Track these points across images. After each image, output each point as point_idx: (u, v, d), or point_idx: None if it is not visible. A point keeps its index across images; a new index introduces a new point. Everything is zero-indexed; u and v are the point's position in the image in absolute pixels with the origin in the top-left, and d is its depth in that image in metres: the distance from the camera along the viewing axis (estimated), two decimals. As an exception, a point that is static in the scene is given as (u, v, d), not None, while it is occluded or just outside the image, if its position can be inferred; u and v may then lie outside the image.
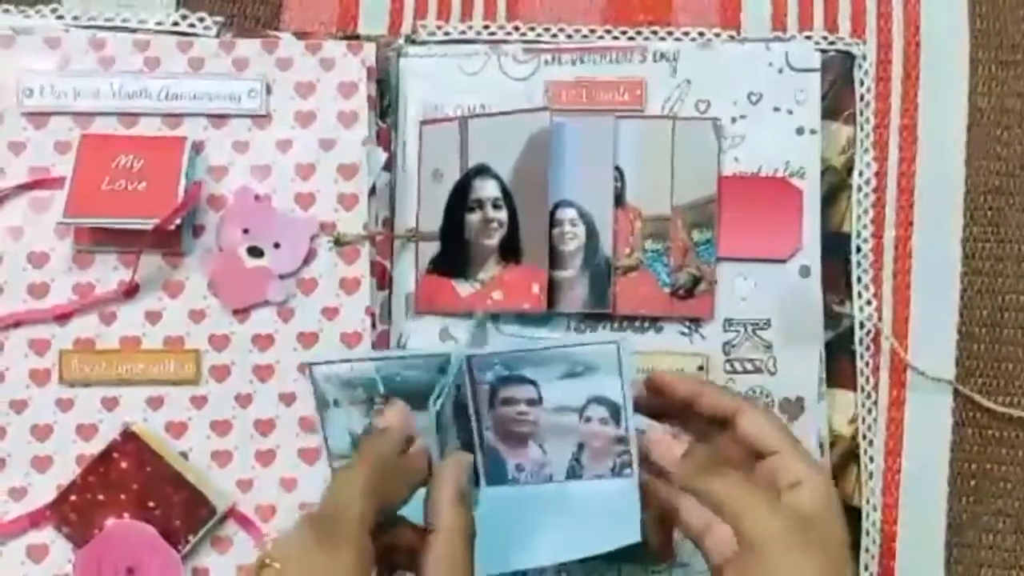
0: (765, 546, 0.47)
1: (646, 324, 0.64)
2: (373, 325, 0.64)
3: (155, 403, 0.62)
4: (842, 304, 0.65)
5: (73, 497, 0.60)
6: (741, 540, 0.48)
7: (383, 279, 0.65)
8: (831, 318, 0.65)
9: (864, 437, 0.64)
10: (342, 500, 0.46)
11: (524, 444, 0.54)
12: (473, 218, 0.64)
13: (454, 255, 0.64)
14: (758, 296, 0.64)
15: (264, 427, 0.63)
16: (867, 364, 0.65)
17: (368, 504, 0.46)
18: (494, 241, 0.64)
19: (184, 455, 0.62)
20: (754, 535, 0.47)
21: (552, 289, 0.63)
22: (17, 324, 0.61)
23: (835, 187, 0.65)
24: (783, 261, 0.64)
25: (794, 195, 0.64)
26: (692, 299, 0.63)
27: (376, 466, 0.47)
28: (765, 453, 0.51)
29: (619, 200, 0.64)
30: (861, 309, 0.65)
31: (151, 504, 0.60)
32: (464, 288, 0.64)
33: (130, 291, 0.62)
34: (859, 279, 0.65)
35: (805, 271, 0.64)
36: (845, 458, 0.64)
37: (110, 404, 0.62)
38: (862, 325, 0.65)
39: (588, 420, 0.53)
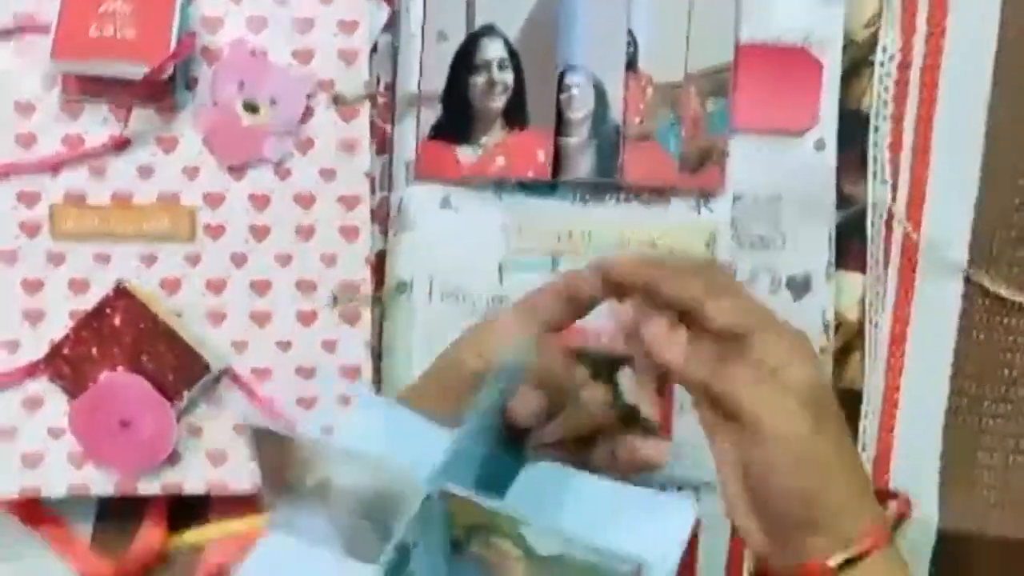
0: (788, 438, 0.43)
1: (653, 196, 0.60)
2: (372, 190, 0.60)
3: (148, 260, 0.59)
4: (856, 185, 0.61)
5: (66, 351, 0.58)
6: (758, 434, 0.43)
7: (383, 143, 0.61)
8: (844, 199, 0.61)
9: (870, 321, 0.61)
10: None
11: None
12: (477, 80, 0.60)
13: (457, 119, 0.60)
14: (771, 169, 0.60)
15: (260, 288, 0.60)
16: (878, 247, 0.61)
17: None
18: (499, 104, 0.60)
19: (178, 313, 0.60)
20: (773, 429, 0.43)
21: (558, 157, 0.60)
22: (6, 174, 0.58)
23: (856, 63, 0.61)
24: (798, 135, 0.59)
25: (814, 67, 0.59)
26: (702, 171, 0.60)
27: None
28: (743, 337, 0.45)
29: (631, 65, 0.59)
30: (875, 190, 0.61)
31: (145, 359, 0.58)
32: (466, 154, 0.60)
33: (121, 144, 0.59)
34: (875, 159, 0.61)
35: (820, 144, 0.60)
36: (849, 342, 0.62)
37: (103, 259, 0.59)
38: (875, 207, 0.61)
39: None
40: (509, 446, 0.44)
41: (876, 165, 0.61)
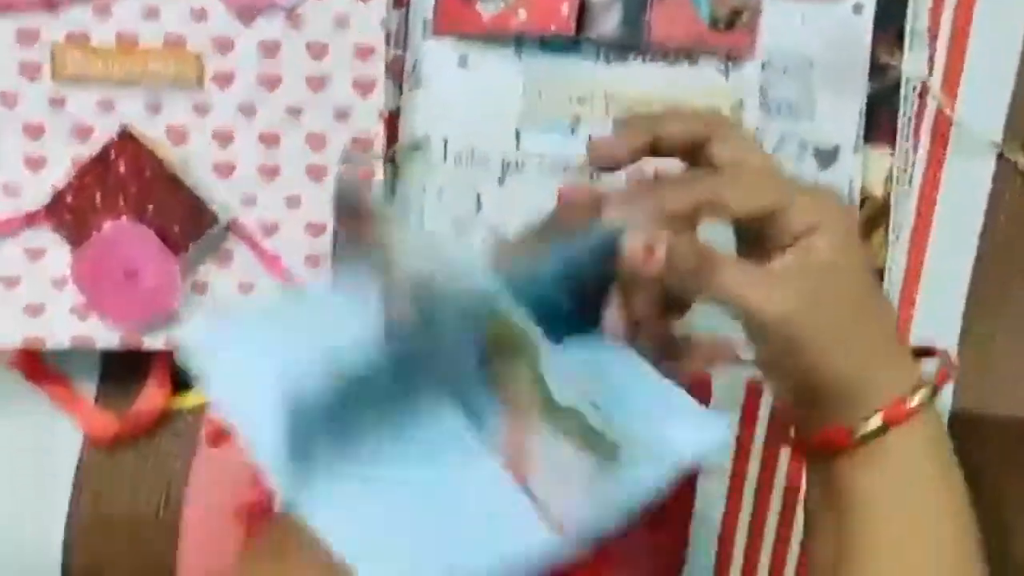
0: (774, 327, 0.41)
1: (679, 57, 0.58)
2: (388, 43, 0.57)
3: (154, 107, 0.57)
4: (892, 55, 0.58)
5: (69, 198, 0.56)
6: (756, 330, 0.42)
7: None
8: (878, 69, 0.58)
9: (896, 197, 0.59)
10: None
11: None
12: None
13: None
14: (804, 33, 0.57)
15: (269, 140, 0.57)
16: (909, 121, 0.59)
17: None
18: (518, -41, 0.57)
19: (184, 163, 0.57)
20: (768, 324, 0.41)
21: (582, 13, 0.56)
22: (2, 11, 0.55)
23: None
24: (836, -1, 0.57)
25: (857, -78, 0.56)
26: (732, 32, 0.57)
27: None
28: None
29: (661, -82, 0.56)
30: (912, 62, 0.58)
31: (150, 208, 0.56)
32: (487, 6, 0.57)
33: (126, -19, 0.55)
34: (913, 31, 0.58)
35: (858, 8, 0.57)
36: (873, 219, 0.59)
37: (106, 105, 0.57)
38: (909, 80, 0.58)
39: None
40: (579, 316, 0.42)
41: (914, 37, 0.58)
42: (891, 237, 0.59)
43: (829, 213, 0.42)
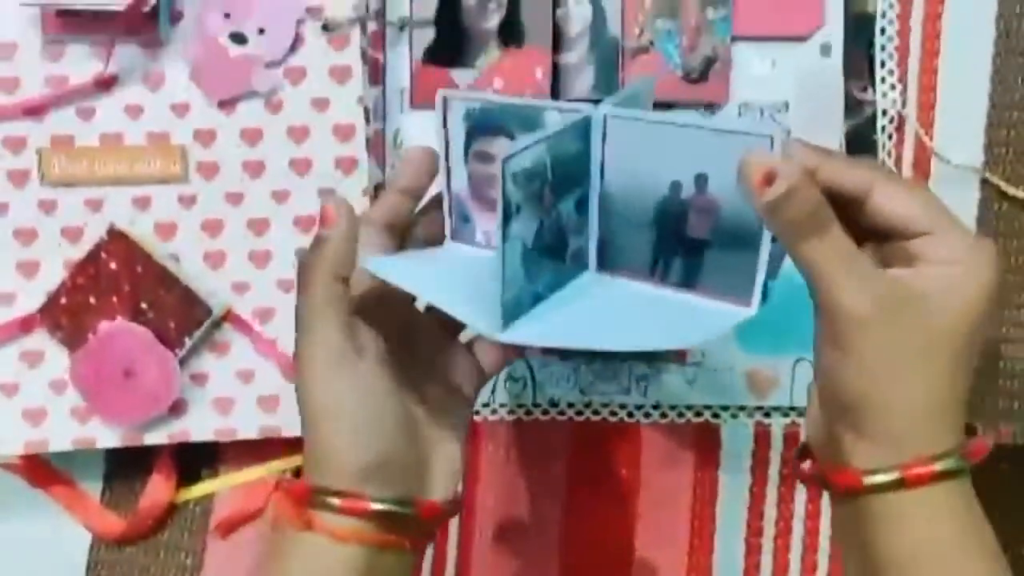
0: (848, 322, 0.37)
1: (657, 110, 0.57)
2: (367, 119, 0.57)
3: (142, 203, 0.57)
4: (865, 91, 0.58)
5: (63, 300, 0.56)
6: (824, 315, 0.38)
7: (376, 73, 0.58)
8: (853, 107, 0.58)
9: (884, 230, 0.58)
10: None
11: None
12: (469, 0, 0.57)
13: (450, 42, 0.57)
14: (776, 77, 0.57)
15: (258, 227, 0.57)
16: (889, 154, 0.58)
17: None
18: (493, 24, 0.57)
19: (175, 258, 0.57)
20: (839, 310, 0.37)
21: (556, 75, 0.56)
22: (-11, 120, 0.55)
23: (861, -37, 0.58)
24: (803, 39, 0.57)
25: (816, -34, 0.56)
26: (706, 82, 0.57)
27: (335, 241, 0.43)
28: (910, 235, 0.39)
29: (628, -25, 0.56)
30: (884, 95, 0.58)
31: (144, 306, 0.56)
32: (462, 77, 0.58)
33: (106, 83, 0.55)
34: (883, 63, 0.58)
35: (826, 50, 0.57)
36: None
37: (95, 205, 0.56)
38: (885, 112, 0.58)
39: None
40: None
41: (884, 70, 0.58)
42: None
43: (979, 260, 0.38)
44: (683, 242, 0.40)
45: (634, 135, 0.40)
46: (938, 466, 0.37)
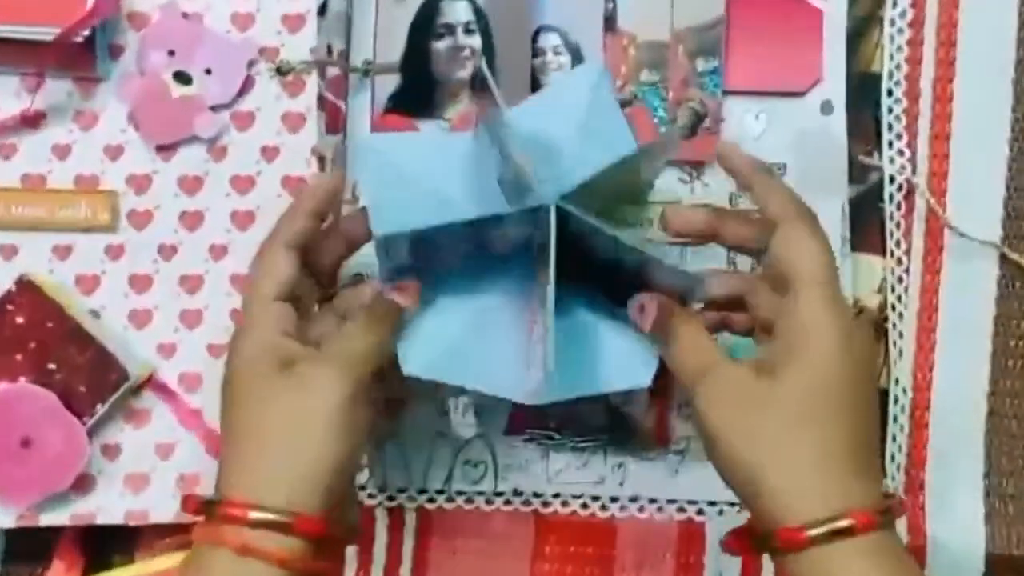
0: (715, 437, 0.39)
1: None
2: (321, 168, 0.51)
3: (62, 252, 0.50)
4: (871, 155, 0.52)
5: (-39, 357, 0.48)
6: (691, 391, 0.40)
7: (335, 121, 0.52)
8: (858, 172, 0.52)
9: (893, 309, 0.51)
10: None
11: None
12: (441, 46, 0.52)
13: (418, 90, 0.52)
14: (772, 136, 0.51)
15: (190, 284, 0.50)
16: (898, 225, 0.52)
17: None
18: (465, 73, 0.51)
19: (96, 314, 0.50)
20: (704, 419, 0.39)
21: None
22: (-100, 155, 0.49)
23: (864, 20, 0.52)
24: (801, 94, 0.51)
25: (814, 16, 0.51)
26: (694, 139, 0.50)
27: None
28: (786, 287, 0.40)
29: (610, 24, 0.51)
30: (892, 160, 0.52)
31: (51, 367, 0.48)
32: (430, 128, 0.51)
33: (33, 119, 0.50)
34: (890, 126, 0.52)
35: (827, 107, 0.51)
36: (871, 334, 0.51)
37: (8, 252, 0.50)
38: (892, 179, 0.52)
39: None
40: None
41: (891, 133, 0.52)
42: (892, 353, 0.51)
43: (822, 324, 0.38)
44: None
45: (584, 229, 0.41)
46: (811, 532, 0.36)
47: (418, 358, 0.41)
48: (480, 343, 0.42)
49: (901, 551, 0.37)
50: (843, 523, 0.35)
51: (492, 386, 0.41)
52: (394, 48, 0.52)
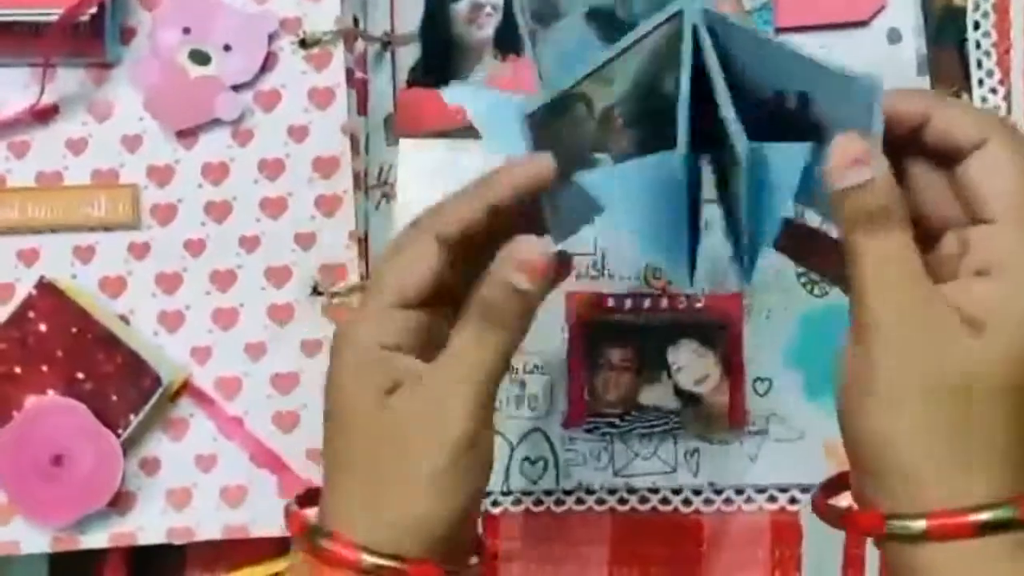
0: (876, 335, 0.31)
1: None
2: (354, 150, 0.46)
3: (84, 254, 0.46)
4: (958, 95, 0.46)
5: (-17, 371, 0.44)
6: (852, 322, 0.32)
7: (363, 100, 0.47)
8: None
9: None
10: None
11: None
12: (459, 7, 0.47)
13: (439, 57, 0.48)
14: None
15: (222, 280, 0.46)
16: (994, 172, 0.46)
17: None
18: (487, 32, 0.47)
19: (124, 319, 0.46)
20: (868, 328, 0.31)
21: None
22: (-93, 159, 0.45)
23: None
24: (864, 24, 0.46)
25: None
26: None
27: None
28: (979, 216, 0.31)
29: (649, -38, 0.45)
30: (984, 100, 0.46)
31: (80, 376, 0.44)
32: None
33: (44, 112, 0.46)
34: (979, 63, 0.46)
35: (895, 35, 0.46)
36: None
37: (28, 257, 0.46)
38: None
39: None
40: None
41: (981, 70, 0.46)
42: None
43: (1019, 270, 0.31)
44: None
45: (737, 42, 0.32)
46: (971, 518, 0.30)
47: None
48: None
49: None
50: (1008, 512, 0.30)
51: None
52: (412, 19, 0.47)
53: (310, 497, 0.36)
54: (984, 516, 0.30)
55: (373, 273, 0.36)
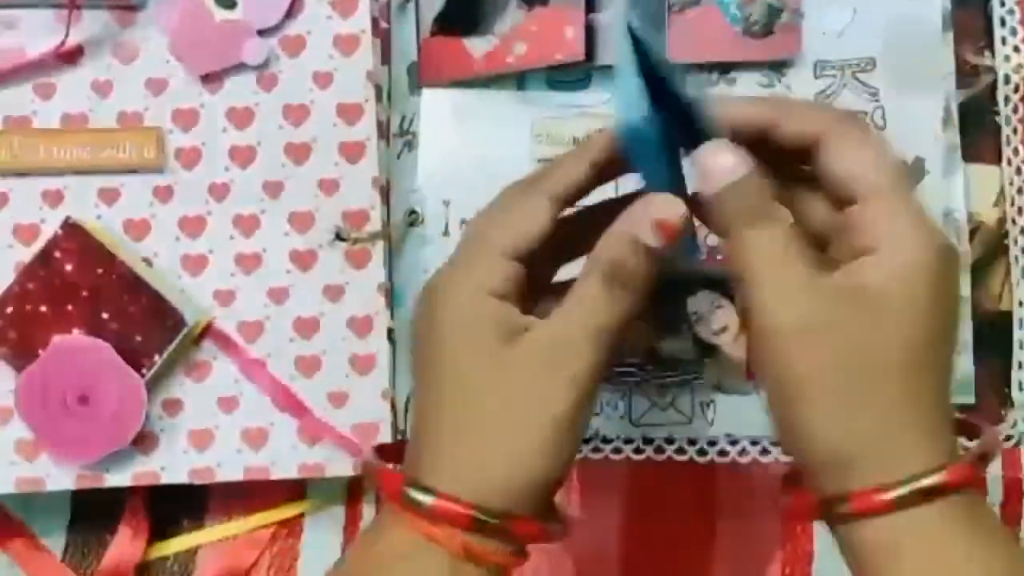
0: (771, 336, 0.31)
1: (714, 75, 0.46)
2: (378, 97, 0.46)
3: (109, 196, 0.46)
4: (981, 54, 0.46)
5: (9, 309, 0.44)
6: (748, 319, 0.32)
7: (386, 49, 0.47)
8: (967, 73, 0.45)
9: (1013, 222, 0.45)
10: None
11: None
12: (484, -45, 0.47)
13: (463, 6, 0.47)
14: (858, 28, 0.45)
15: (245, 225, 0.46)
16: (1015, 131, 0.46)
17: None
18: (515, -22, 0.46)
19: (147, 261, 0.45)
20: (763, 318, 0.31)
21: (590, 36, 0.45)
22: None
23: None
24: (890, -24, 0.45)
25: None
26: (772, 37, 0.45)
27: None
28: (847, 201, 0.32)
29: (677, -86, 0.45)
30: (1007, 58, 0.46)
31: (105, 316, 0.44)
32: (478, 46, 0.47)
33: (70, 55, 0.45)
34: (1003, 21, 0.46)
35: (921, -9, 0.45)
36: (990, 250, 0.46)
37: (53, 198, 0.46)
38: (1008, 79, 0.46)
39: None
40: None
41: (1004, 28, 0.46)
42: (1015, 272, 0.45)
43: (893, 236, 0.31)
44: None
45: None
46: (891, 494, 0.30)
47: None
48: None
49: (989, 511, 0.31)
50: (931, 480, 0.29)
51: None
52: (438, -34, 0.47)
53: (387, 452, 0.36)
54: (898, 492, 0.30)
55: (472, 230, 0.35)
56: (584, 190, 0.34)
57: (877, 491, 0.30)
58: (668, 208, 0.32)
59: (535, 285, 0.34)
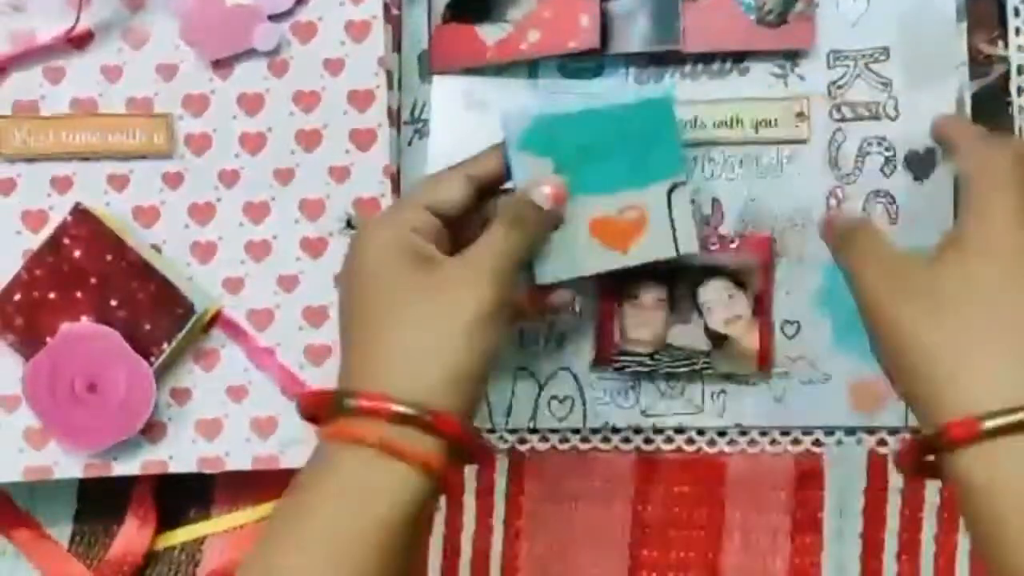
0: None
1: (727, 64, 0.46)
2: (389, 85, 0.45)
3: (118, 182, 0.45)
4: (994, 44, 0.45)
5: (17, 296, 0.44)
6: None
7: (398, 37, 0.47)
8: (979, 63, 0.45)
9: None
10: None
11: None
12: (498, -62, 0.46)
13: None
14: (873, 18, 0.45)
15: (255, 212, 0.45)
16: (1028, 121, 0.45)
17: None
18: (527, -37, 0.46)
19: (156, 248, 0.45)
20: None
21: (605, 27, 0.45)
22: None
23: None
24: (904, -31, 0.45)
25: None
26: (785, 26, 0.45)
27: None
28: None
29: (692, -96, 0.45)
30: (1020, 48, 0.45)
31: (114, 303, 0.44)
32: (491, 33, 0.46)
33: (80, 39, 0.45)
34: (1016, 11, 0.46)
35: (935, -21, 0.45)
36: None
37: (62, 185, 0.45)
38: (1021, 69, 0.45)
39: None
40: None
41: (1018, 18, 0.45)
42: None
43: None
44: None
45: None
46: (987, 424, 0.32)
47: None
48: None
49: None
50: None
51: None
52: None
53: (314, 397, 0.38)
54: (996, 422, 0.31)
55: (404, 193, 0.41)
56: (495, 178, 0.41)
57: (971, 421, 0.32)
58: (552, 181, 0.40)
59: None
